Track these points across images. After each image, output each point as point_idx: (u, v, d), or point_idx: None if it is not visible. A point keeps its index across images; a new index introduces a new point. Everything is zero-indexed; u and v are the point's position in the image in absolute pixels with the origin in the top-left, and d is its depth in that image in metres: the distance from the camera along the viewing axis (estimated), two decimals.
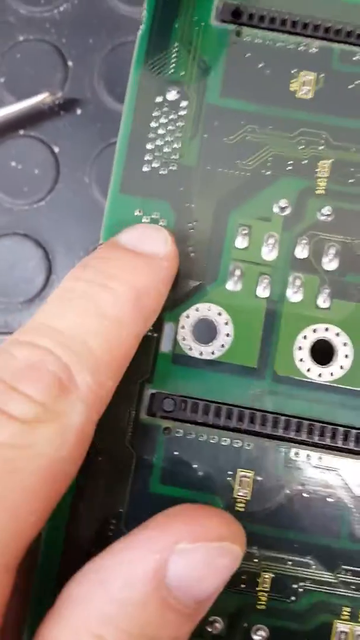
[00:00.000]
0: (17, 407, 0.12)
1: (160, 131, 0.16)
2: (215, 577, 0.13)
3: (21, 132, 0.24)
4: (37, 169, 0.24)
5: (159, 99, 0.17)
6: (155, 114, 0.16)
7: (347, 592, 0.15)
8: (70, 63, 0.25)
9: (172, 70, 0.17)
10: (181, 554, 0.13)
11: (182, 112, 0.17)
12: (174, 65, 0.17)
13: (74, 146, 0.24)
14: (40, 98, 0.24)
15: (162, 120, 0.16)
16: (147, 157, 0.16)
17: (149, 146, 0.16)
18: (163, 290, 0.15)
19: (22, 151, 0.24)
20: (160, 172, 0.16)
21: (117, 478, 0.16)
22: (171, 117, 0.16)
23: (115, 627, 0.12)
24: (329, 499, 0.15)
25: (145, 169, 0.16)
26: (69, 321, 0.14)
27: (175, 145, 0.16)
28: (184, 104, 0.17)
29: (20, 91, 0.25)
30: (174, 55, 0.17)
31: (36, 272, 0.23)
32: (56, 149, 0.24)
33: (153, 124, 0.16)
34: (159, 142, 0.16)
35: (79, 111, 0.24)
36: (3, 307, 0.23)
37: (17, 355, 0.13)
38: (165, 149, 0.16)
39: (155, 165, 0.16)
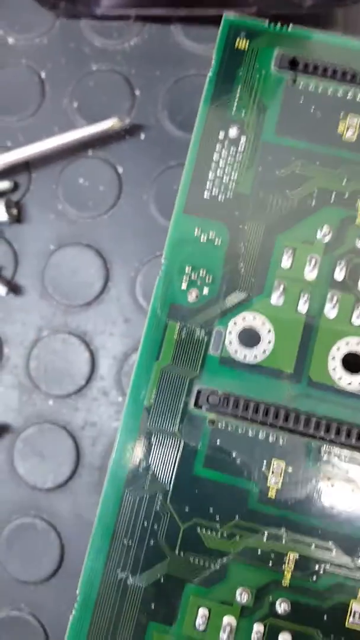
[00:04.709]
0: None
1: (221, 163, 0.19)
2: None
3: (90, 152, 0.26)
4: (102, 186, 0.25)
5: (221, 135, 0.19)
6: (217, 147, 0.19)
7: None
8: (137, 92, 0.26)
9: (235, 111, 0.19)
10: None
11: (240, 147, 0.19)
12: (236, 106, 0.19)
13: (136, 167, 0.25)
14: (110, 124, 0.26)
15: (223, 153, 0.19)
16: (208, 185, 0.19)
17: (210, 175, 0.19)
18: None
19: (89, 170, 0.25)
20: (219, 198, 0.19)
21: (166, 460, 0.18)
22: (231, 150, 0.19)
23: None
24: (352, 492, 0.17)
25: (206, 194, 0.19)
26: None
27: (233, 176, 0.19)
28: (242, 139, 0.19)
29: (91, 115, 0.26)
30: (236, 98, 0.19)
31: (95, 279, 0.25)
32: (120, 169, 0.25)
33: (215, 157, 0.19)
34: (219, 173, 0.19)
35: (142, 136, 0.25)
36: (64, 309, 0.25)
37: None
38: (225, 179, 0.19)
39: (214, 192, 0.19)
